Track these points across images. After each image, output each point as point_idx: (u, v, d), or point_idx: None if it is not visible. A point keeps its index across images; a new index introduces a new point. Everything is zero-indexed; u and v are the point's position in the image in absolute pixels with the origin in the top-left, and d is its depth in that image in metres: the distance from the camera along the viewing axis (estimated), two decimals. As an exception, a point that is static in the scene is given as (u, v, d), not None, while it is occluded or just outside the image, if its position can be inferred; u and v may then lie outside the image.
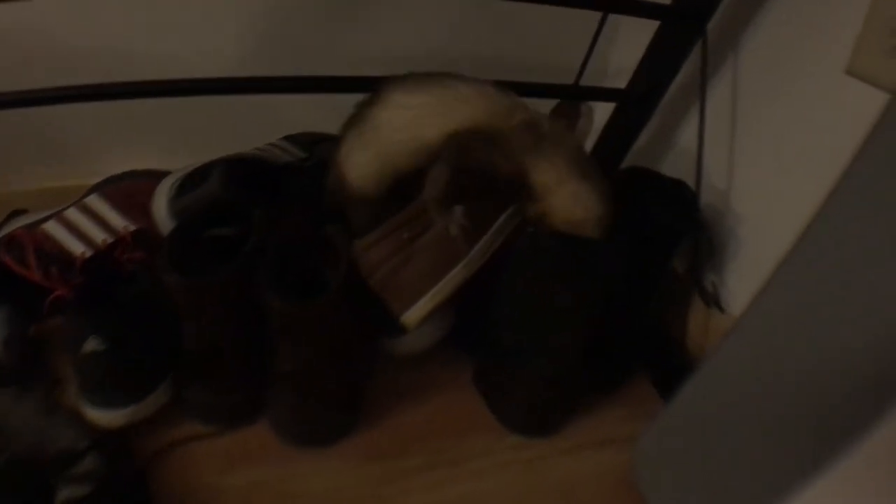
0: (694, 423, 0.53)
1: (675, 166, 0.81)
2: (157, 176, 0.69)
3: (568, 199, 0.54)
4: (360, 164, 0.58)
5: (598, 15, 0.69)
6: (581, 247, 0.55)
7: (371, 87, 0.60)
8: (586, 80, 0.70)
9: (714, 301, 0.68)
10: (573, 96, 0.66)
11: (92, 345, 0.54)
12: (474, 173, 0.54)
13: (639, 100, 0.69)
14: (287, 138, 0.75)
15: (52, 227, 0.63)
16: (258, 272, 0.53)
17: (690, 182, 0.67)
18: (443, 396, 0.65)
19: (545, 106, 0.68)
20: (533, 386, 0.61)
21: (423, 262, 0.53)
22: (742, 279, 0.70)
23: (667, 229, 0.63)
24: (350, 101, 0.72)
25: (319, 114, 0.80)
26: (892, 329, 0.35)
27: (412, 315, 0.54)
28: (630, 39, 0.68)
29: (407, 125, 0.56)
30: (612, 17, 0.82)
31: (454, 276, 0.54)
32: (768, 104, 0.67)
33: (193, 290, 0.53)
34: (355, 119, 0.60)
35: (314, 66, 0.75)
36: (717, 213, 0.71)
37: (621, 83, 0.71)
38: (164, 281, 0.52)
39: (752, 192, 0.69)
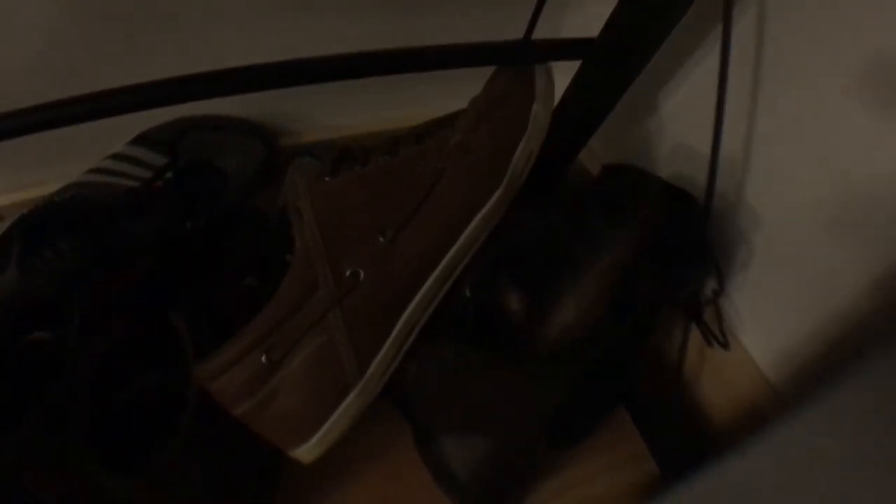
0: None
1: (673, 159, 0.60)
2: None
3: None
4: None
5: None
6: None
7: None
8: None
9: (715, 336, 0.52)
10: (520, 58, 0.43)
11: None
12: None
13: (615, 55, 0.47)
14: (138, 139, 0.54)
15: None
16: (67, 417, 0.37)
17: (689, 184, 0.48)
18: (379, 466, 0.52)
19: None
20: (473, 463, 0.47)
21: (300, 394, 0.36)
22: (752, 298, 0.54)
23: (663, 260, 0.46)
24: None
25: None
26: None
27: (305, 453, 0.39)
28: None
29: None
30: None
31: (347, 408, 0.38)
32: (813, 71, 0.46)
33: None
34: None
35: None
36: (727, 210, 0.53)
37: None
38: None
39: (776, 191, 0.50)
